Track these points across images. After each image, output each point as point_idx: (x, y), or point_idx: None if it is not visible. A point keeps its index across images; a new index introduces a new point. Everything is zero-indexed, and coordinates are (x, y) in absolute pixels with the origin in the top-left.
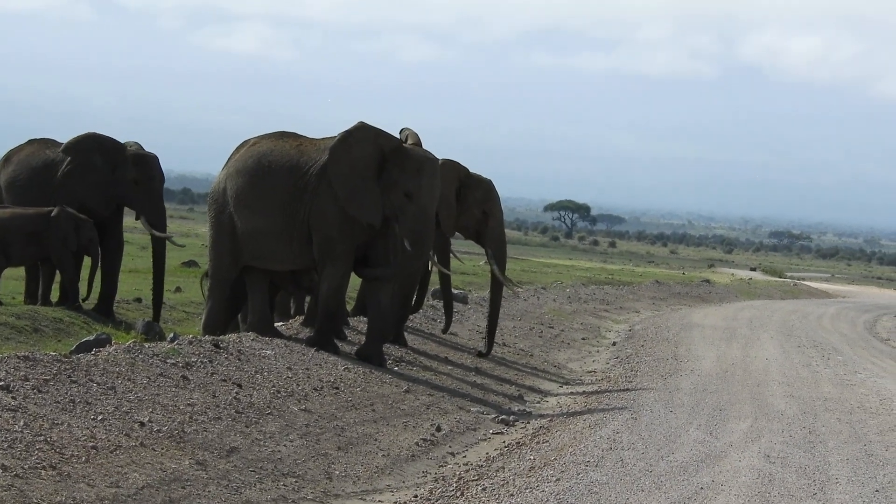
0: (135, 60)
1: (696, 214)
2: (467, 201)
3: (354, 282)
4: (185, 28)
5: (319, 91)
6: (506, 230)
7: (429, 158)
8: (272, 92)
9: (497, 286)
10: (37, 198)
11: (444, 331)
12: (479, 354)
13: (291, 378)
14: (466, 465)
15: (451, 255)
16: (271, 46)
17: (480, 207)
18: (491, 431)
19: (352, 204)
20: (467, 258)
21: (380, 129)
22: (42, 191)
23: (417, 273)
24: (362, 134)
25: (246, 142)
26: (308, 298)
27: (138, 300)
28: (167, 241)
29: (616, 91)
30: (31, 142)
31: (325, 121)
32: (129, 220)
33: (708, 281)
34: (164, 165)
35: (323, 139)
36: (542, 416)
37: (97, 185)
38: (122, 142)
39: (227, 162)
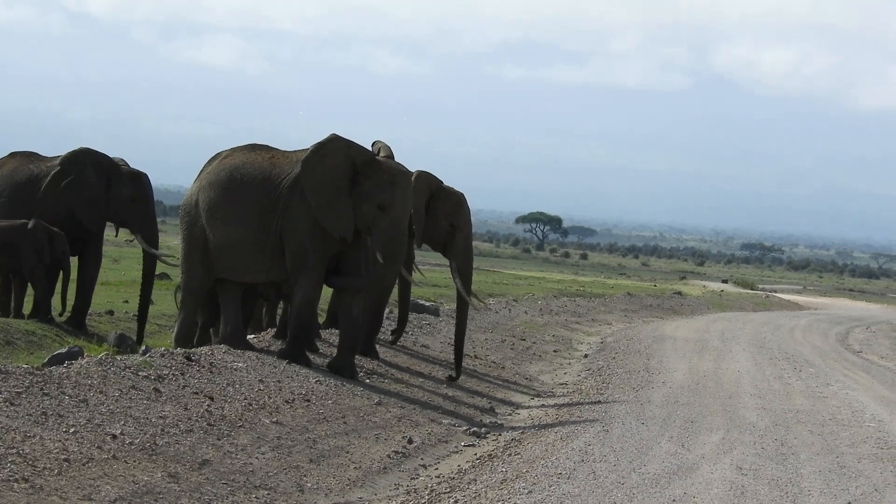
0: (107, 73)
1: (668, 226)
2: (436, 213)
3: (326, 293)
4: (157, 40)
5: (291, 104)
6: (477, 242)
7: (402, 171)
8: (244, 104)
9: (462, 304)
10: (20, 212)
11: (393, 341)
12: (449, 378)
13: (263, 390)
14: (438, 477)
15: (414, 267)
16: (243, 59)
17: (449, 219)
18: (463, 444)
19: (324, 216)
20: (438, 270)
21: (352, 142)
22: (26, 205)
23: (390, 285)
24: (335, 146)
25: (218, 154)
26: (280, 311)
27: (110, 312)
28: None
29: (589, 103)
30: (12, 155)
31: (297, 133)
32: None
33: (679, 293)
34: None
35: (295, 152)
36: (513, 428)
37: (91, 201)
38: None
39: (199, 174)
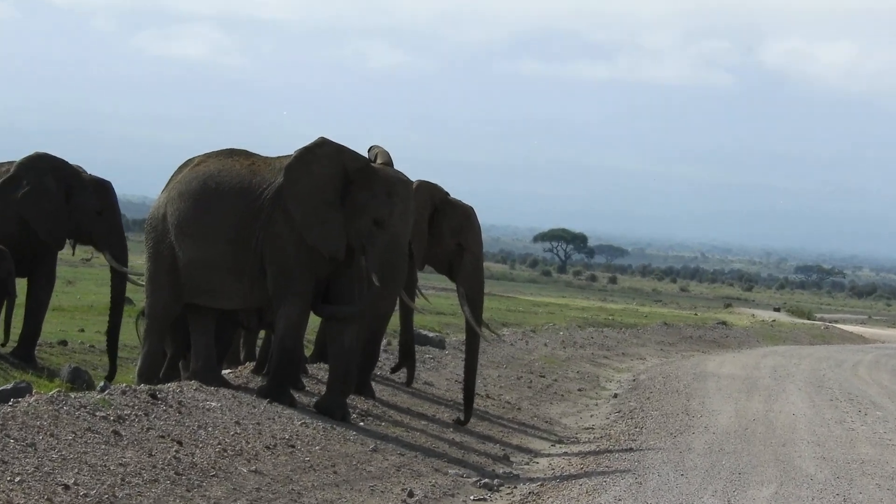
0: (62, 65)
1: (711, 246)
2: (441, 229)
3: (313, 323)
4: (121, 29)
5: (275, 103)
6: (489, 263)
7: (401, 180)
8: (221, 103)
9: (473, 336)
10: None
11: (408, 383)
12: (457, 421)
13: (240, 434)
14: None
15: (418, 292)
16: (220, 51)
17: (455, 238)
18: (472, 497)
19: (311, 232)
20: (443, 295)
21: (343, 146)
22: None
23: (388, 312)
24: (323, 151)
25: (190, 161)
26: (260, 341)
27: (63, 343)
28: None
29: (618, 104)
30: None
31: (281, 136)
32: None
33: (724, 323)
34: None
35: (279, 158)
36: (531, 479)
37: (51, 213)
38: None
39: (167, 184)
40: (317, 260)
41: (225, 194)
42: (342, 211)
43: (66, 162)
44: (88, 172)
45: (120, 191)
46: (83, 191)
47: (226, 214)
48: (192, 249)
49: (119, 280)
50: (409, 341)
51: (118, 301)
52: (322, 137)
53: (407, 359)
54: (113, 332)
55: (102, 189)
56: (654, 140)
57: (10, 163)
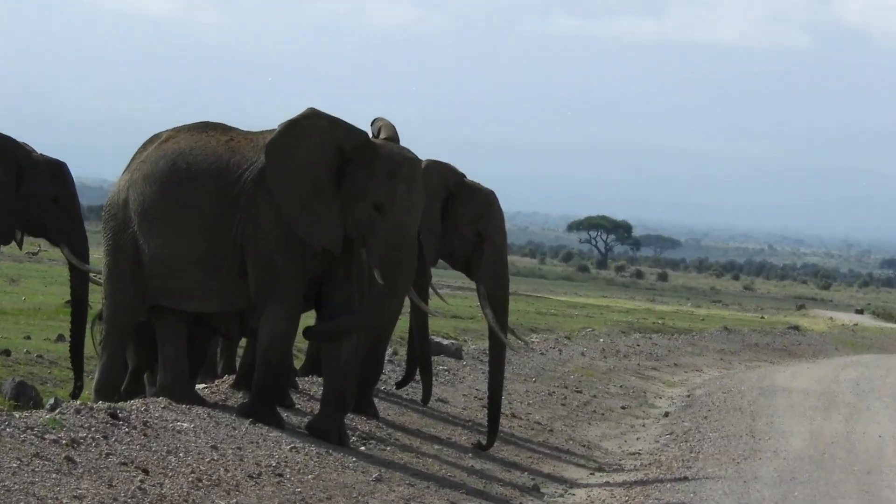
0: (5, 28)
1: (780, 236)
2: (456, 218)
3: (303, 327)
4: None
5: (256, 68)
6: (515, 257)
7: (407, 158)
8: (192, 69)
9: (496, 344)
10: None
11: (424, 401)
12: (478, 446)
13: (218, 461)
14: None
15: (432, 290)
16: (191, 8)
17: (474, 227)
18: None
19: (300, 222)
20: (460, 295)
21: (337, 119)
22: None
23: (393, 316)
24: (313, 124)
25: (156, 136)
26: (241, 352)
27: (6, 352)
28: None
29: (666, 68)
30: None
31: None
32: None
33: (796, 328)
34: None
35: (262, 133)
36: None
37: None
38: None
39: (129, 164)
40: (308, 255)
41: (198, 176)
42: (337, 196)
43: (14, 140)
44: (39, 153)
45: (74, 173)
46: (36, 175)
47: (199, 200)
48: (160, 242)
49: (80, 279)
50: (425, 350)
51: (80, 303)
52: (311, 108)
53: (422, 372)
54: (77, 340)
55: (58, 172)
56: (712, 113)
57: None
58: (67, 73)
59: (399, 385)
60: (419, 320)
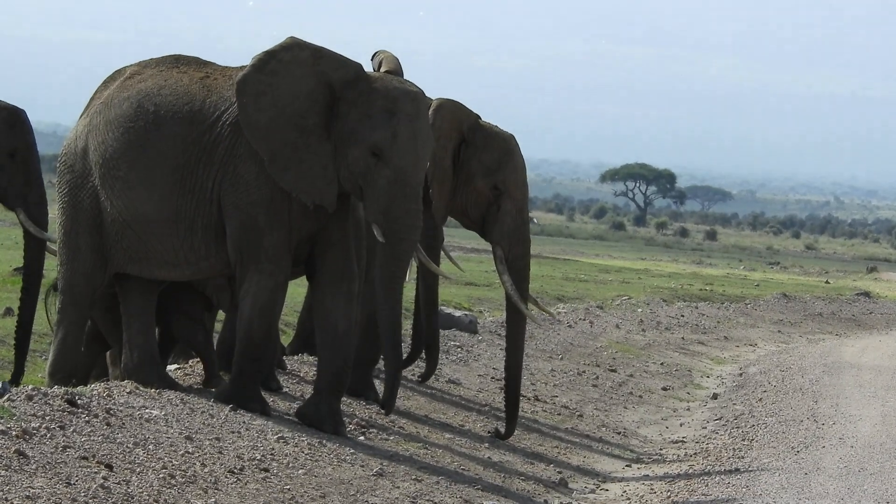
0: None
1: (848, 186)
2: (470, 168)
3: (292, 299)
4: None
5: None
6: (538, 213)
7: (409, 92)
8: None
9: (516, 315)
10: None
11: (424, 377)
12: (496, 435)
13: (193, 454)
14: None
15: (443, 254)
16: None
17: (490, 179)
18: None
19: (286, 173)
20: (473, 259)
21: (323, 49)
22: None
23: (400, 281)
24: (294, 56)
25: (119, 72)
26: (219, 326)
27: None
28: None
29: None
30: None
31: (242, 38)
32: None
33: (867, 294)
34: None
35: (242, 68)
36: None
37: None
38: None
39: (88, 105)
40: (296, 212)
41: (168, 121)
42: (328, 141)
43: None
44: None
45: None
46: None
47: (169, 149)
48: (124, 199)
49: (36, 248)
50: (433, 322)
51: (34, 276)
52: (292, 37)
53: (427, 347)
54: (24, 318)
55: (15, 121)
56: (766, 38)
57: None
58: None
59: (403, 364)
60: (428, 287)
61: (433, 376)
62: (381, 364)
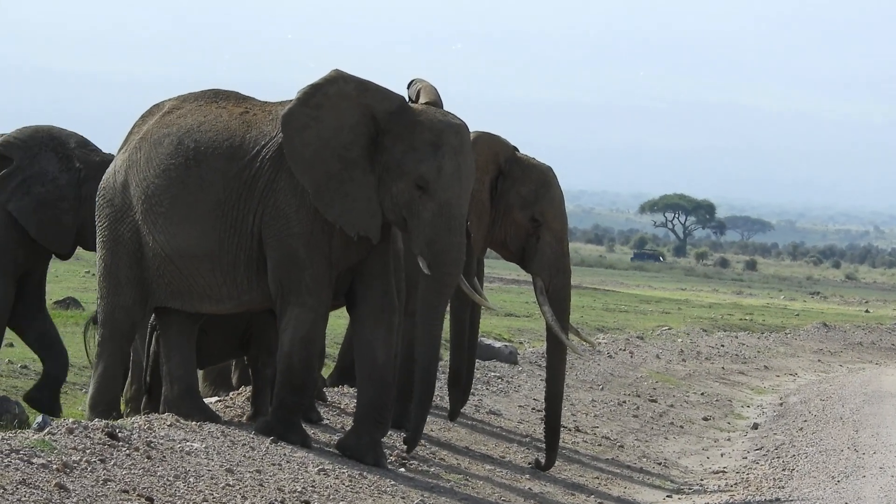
0: None
1: (888, 215)
2: (508, 200)
3: (333, 330)
4: None
5: (275, 22)
6: (577, 244)
7: (453, 125)
8: (198, 27)
9: (557, 346)
10: None
11: (451, 415)
12: (537, 465)
13: (234, 486)
14: None
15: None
16: None
17: (529, 210)
18: None
19: (332, 207)
20: (513, 290)
21: (368, 82)
22: None
23: (440, 312)
24: (339, 89)
25: (157, 107)
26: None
27: None
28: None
29: (751, 5)
30: None
31: (284, 73)
32: None
33: None
34: None
35: (281, 104)
36: None
37: (53, 206)
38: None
39: (127, 139)
40: (337, 244)
41: (208, 156)
42: (372, 172)
43: (76, 135)
44: (101, 150)
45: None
46: (97, 176)
47: (210, 185)
48: (165, 234)
49: None
50: (470, 356)
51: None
52: (336, 70)
53: (453, 378)
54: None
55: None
56: (807, 66)
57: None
58: (50, 37)
59: (450, 415)
60: (471, 316)
61: (472, 406)
62: None
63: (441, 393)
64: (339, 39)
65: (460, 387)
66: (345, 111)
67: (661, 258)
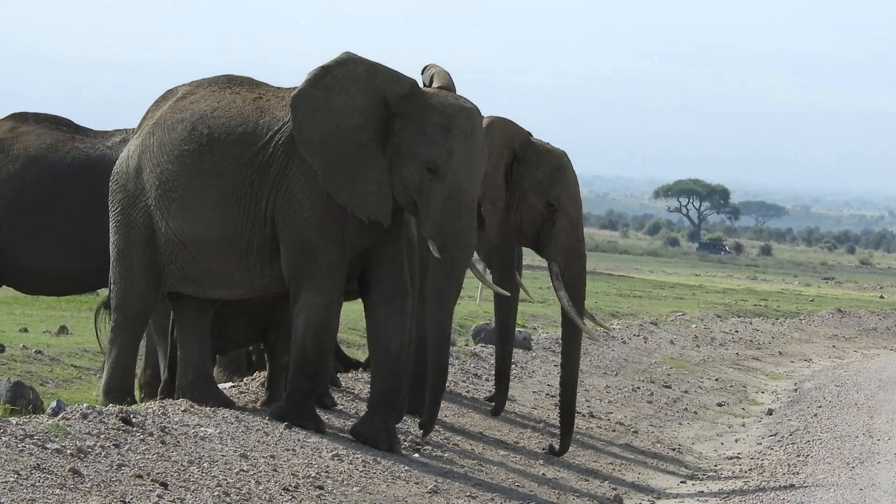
0: None
1: None
2: (522, 184)
3: (349, 314)
4: None
5: (287, 6)
6: (592, 230)
7: (465, 108)
8: (210, 11)
9: (572, 331)
10: (65, 210)
11: (495, 410)
12: (551, 451)
13: (248, 472)
14: None
15: (517, 281)
16: None
17: (544, 195)
18: None
19: (343, 191)
20: (527, 275)
21: (378, 64)
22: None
23: (452, 297)
24: (348, 72)
25: (171, 92)
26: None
27: (0, 348)
28: None
29: None
30: (19, 119)
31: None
32: None
33: None
34: None
35: (293, 88)
36: None
37: None
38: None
39: (140, 124)
40: (350, 229)
41: (222, 142)
42: (383, 156)
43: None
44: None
45: None
46: None
47: (224, 171)
48: (180, 219)
49: None
50: (504, 355)
51: None
52: (347, 53)
53: (499, 377)
54: None
55: None
56: (820, 55)
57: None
58: (59, 21)
59: (493, 409)
60: (500, 311)
61: (484, 391)
62: None
63: (455, 379)
64: (352, 25)
65: (507, 382)
66: (355, 94)
67: (726, 250)
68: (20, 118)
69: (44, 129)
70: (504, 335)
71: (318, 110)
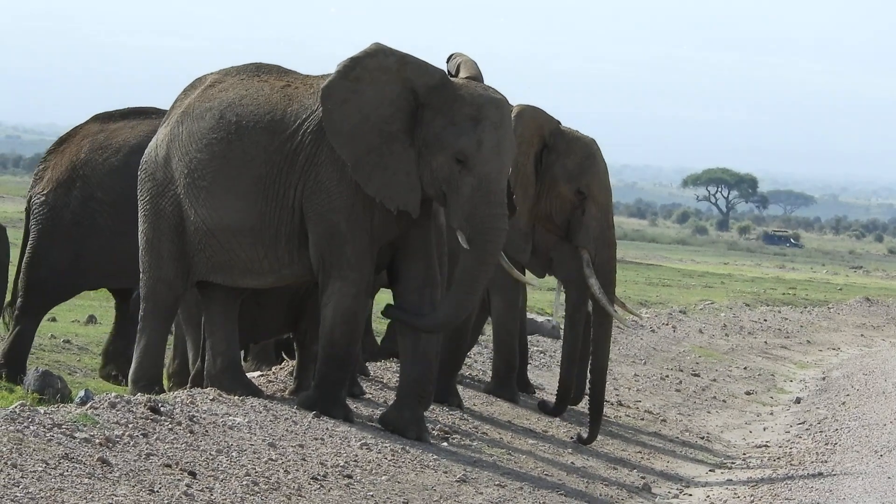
0: None
1: None
2: (553, 173)
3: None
4: None
5: None
6: (621, 218)
7: (494, 99)
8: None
9: (602, 319)
10: None
11: (558, 411)
12: (579, 440)
13: (276, 461)
14: None
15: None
16: None
17: (574, 183)
18: None
19: (371, 180)
20: None
21: (408, 55)
22: None
23: (480, 287)
24: (378, 63)
25: (199, 80)
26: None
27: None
28: None
29: None
30: (104, 119)
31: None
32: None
33: None
34: None
35: (323, 77)
36: None
37: None
38: None
39: (169, 113)
40: (378, 218)
41: (250, 130)
42: (412, 146)
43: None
44: None
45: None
46: None
47: (252, 159)
48: (208, 208)
49: None
50: (522, 335)
51: None
52: (377, 43)
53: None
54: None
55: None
56: (849, 43)
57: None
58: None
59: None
60: (508, 302)
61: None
62: (464, 370)
63: (484, 368)
64: (382, 14)
65: (567, 401)
66: (385, 85)
67: (792, 241)
68: (104, 118)
69: (134, 120)
70: (571, 354)
71: (348, 101)
